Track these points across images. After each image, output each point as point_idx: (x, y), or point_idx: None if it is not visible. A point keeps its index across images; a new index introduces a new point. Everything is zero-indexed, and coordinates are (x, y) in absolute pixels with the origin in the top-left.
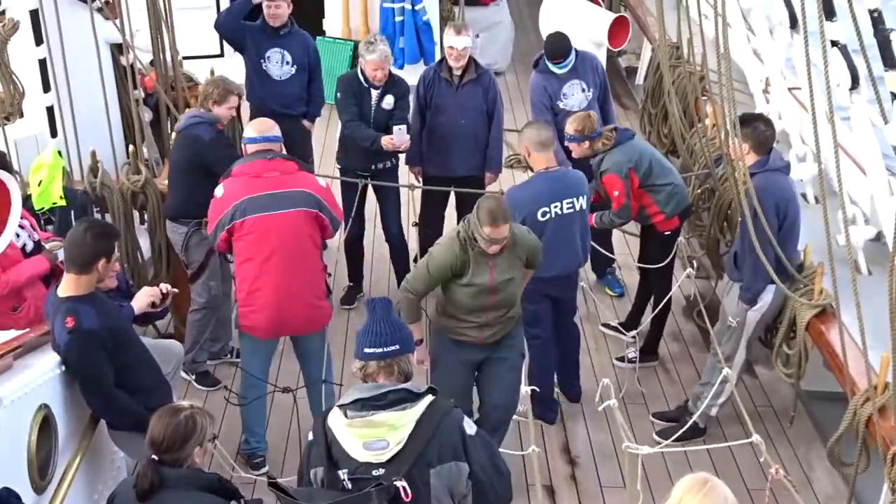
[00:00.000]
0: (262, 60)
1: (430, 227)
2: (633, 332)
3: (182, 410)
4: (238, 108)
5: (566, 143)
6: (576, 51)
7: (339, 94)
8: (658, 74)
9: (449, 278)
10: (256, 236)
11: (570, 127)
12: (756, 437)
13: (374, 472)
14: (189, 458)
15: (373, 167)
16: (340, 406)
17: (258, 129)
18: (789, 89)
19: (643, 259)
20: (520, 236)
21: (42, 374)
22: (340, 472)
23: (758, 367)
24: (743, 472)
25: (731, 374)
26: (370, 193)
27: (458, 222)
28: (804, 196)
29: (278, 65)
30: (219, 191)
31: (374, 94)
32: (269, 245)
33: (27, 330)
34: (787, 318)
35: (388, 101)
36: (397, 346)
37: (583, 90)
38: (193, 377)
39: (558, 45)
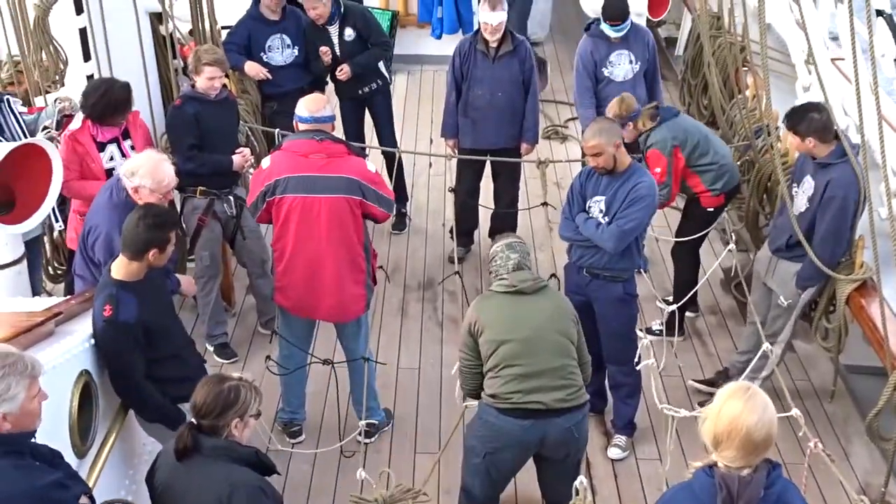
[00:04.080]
0: (263, 54)
1: (467, 197)
2: (670, 307)
3: (228, 380)
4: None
5: None
6: (631, 21)
7: None
8: (698, 45)
9: None
10: (294, 216)
11: (609, 114)
12: (795, 411)
13: None
14: (227, 428)
15: (359, 92)
16: None
17: (309, 108)
18: (832, 60)
19: (678, 232)
20: None
21: (83, 341)
22: None
23: (796, 340)
24: (780, 446)
25: (773, 349)
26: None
27: (493, 193)
28: None
29: (279, 51)
30: (265, 162)
31: (332, 30)
32: (305, 228)
33: (68, 297)
34: (826, 292)
35: (349, 34)
36: None
37: (630, 62)
38: (212, 349)
39: (617, 7)
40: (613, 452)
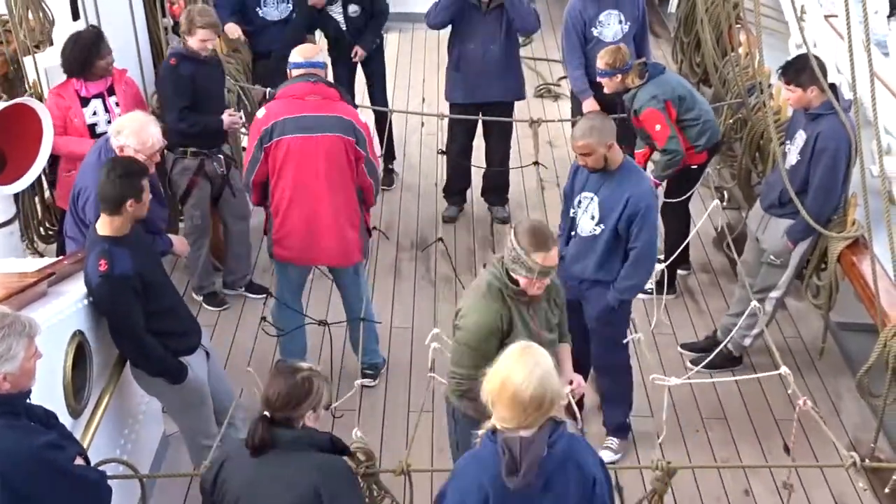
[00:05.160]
0: (258, 9)
1: (459, 156)
2: (661, 265)
3: (300, 372)
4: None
5: (597, 79)
6: None
7: None
8: (691, 2)
9: (498, 345)
10: (292, 159)
11: (600, 61)
12: (784, 369)
13: None
14: (300, 420)
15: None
16: None
17: (304, 54)
18: (825, 17)
19: (666, 191)
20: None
21: (76, 301)
22: None
23: (787, 298)
24: (771, 402)
25: (764, 306)
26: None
27: (485, 152)
28: None
29: (274, 5)
30: (260, 112)
31: (335, 9)
32: (303, 169)
33: (60, 258)
34: (818, 250)
35: (353, 10)
36: None
37: (620, 21)
38: (202, 299)
39: None
40: (605, 455)
